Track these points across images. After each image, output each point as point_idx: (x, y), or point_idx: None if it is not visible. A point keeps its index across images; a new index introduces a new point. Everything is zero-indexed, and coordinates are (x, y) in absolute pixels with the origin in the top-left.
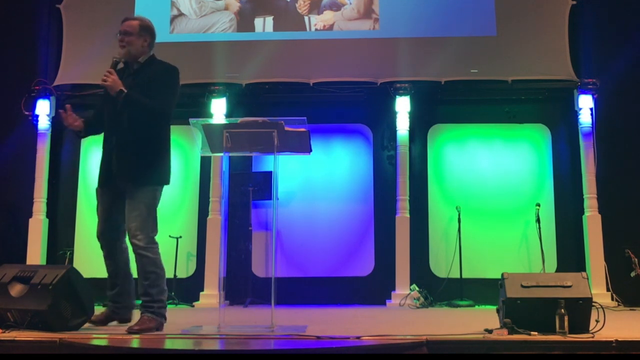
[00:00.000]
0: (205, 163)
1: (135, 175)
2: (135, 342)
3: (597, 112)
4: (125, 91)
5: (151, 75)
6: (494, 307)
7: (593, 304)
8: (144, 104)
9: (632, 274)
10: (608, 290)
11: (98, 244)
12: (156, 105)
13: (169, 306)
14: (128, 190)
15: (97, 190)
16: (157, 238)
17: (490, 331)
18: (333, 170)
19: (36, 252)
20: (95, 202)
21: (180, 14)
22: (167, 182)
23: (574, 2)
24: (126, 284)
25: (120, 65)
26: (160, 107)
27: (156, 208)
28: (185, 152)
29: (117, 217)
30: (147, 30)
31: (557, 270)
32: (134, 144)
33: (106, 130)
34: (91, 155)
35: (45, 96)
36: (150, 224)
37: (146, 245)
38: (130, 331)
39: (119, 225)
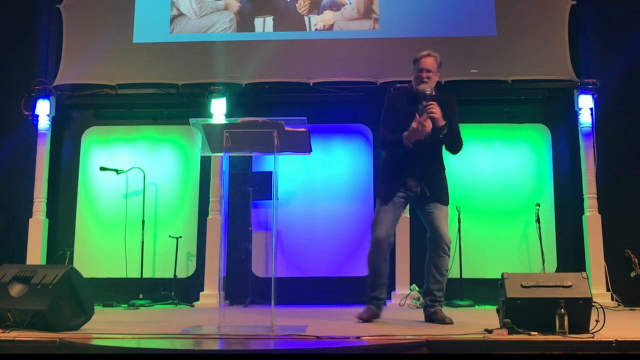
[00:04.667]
0: (205, 163)
1: (444, 195)
2: (133, 342)
3: (597, 112)
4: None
5: (445, 108)
6: (494, 307)
7: (593, 304)
8: (458, 136)
9: (632, 274)
10: (608, 290)
11: (98, 244)
12: (460, 137)
13: (168, 306)
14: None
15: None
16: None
17: (490, 331)
18: (333, 170)
19: (36, 252)
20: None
21: (180, 14)
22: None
23: (574, 2)
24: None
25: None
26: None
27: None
28: (185, 152)
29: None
30: (440, 65)
31: (557, 270)
32: (437, 168)
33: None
34: (91, 155)
35: (45, 96)
36: None
37: (450, 248)
38: (449, 322)
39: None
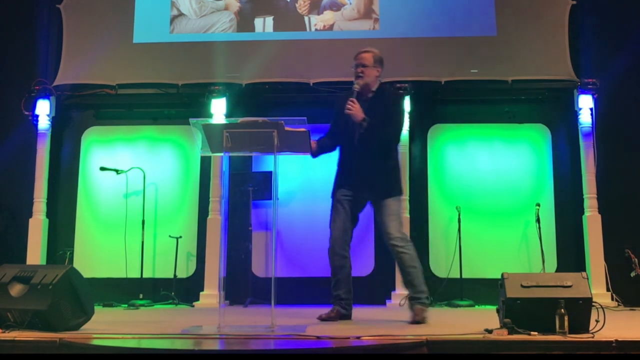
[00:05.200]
0: (205, 163)
1: (379, 190)
2: (133, 342)
3: (597, 112)
4: (368, 119)
5: (385, 103)
6: (494, 307)
7: (593, 304)
8: (384, 131)
9: (632, 274)
10: (608, 290)
11: (98, 244)
12: (391, 132)
13: (168, 306)
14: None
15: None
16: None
17: (490, 331)
18: (333, 170)
19: (36, 252)
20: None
21: (180, 14)
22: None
23: (574, 2)
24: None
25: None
26: (396, 134)
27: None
28: (185, 152)
29: (354, 223)
30: (379, 61)
31: (557, 270)
32: (375, 164)
33: (344, 151)
34: (91, 155)
35: (45, 96)
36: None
37: (404, 244)
38: (414, 322)
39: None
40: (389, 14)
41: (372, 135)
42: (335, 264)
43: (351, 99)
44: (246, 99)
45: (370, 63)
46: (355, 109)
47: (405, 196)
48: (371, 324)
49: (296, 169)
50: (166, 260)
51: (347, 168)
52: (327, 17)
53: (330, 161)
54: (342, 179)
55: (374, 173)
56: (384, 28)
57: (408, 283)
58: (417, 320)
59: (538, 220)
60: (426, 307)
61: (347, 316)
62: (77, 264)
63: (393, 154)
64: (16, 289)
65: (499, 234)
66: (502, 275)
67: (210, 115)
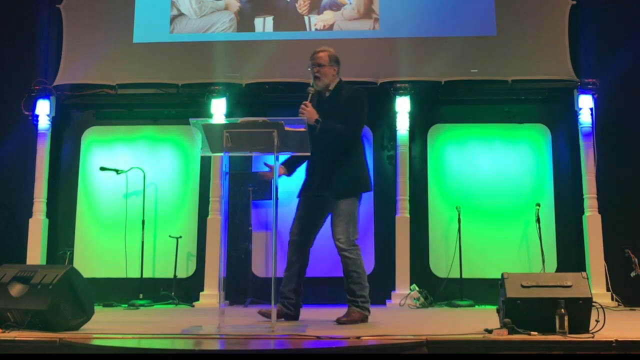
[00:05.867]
0: (205, 163)
1: (334, 189)
2: (133, 342)
3: (597, 112)
4: (321, 120)
5: (344, 101)
6: (494, 307)
7: (593, 304)
8: (338, 130)
9: (632, 274)
10: (608, 290)
11: (98, 244)
12: (348, 130)
13: (169, 306)
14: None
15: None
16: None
17: (490, 331)
18: None
19: (36, 252)
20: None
21: (180, 14)
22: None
23: (574, 2)
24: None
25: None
26: (352, 131)
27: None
28: (185, 152)
29: (316, 223)
30: (334, 60)
31: (557, 270)
32: (332, 163)
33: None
34: (91, 155)
35: (45, 96)
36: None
37: (348, 247)
38: (339, 322)
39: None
40: (389, 14)
41: (329, 135)
42: (288, 260)
43: (304, 102)
44: (246, 99)
45: (326, 62)
46: (307, 111)
47: (406, 196)
48: (371, 324)
49: None
50: (166, 260)
51: (308, 169)
52: (327, 17)
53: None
54: (305, 179)
55: (330, 172)
56: (384, 28)
57: (347, 287)
58: (343, 321)
59: (538, 220)
60: (363, 312)
61: (291, 317)
62: (77, 264)
63: (355, 151)
64: (16, 289)
65: (499, 234)
66: (502, 275)
67: (210, 115)
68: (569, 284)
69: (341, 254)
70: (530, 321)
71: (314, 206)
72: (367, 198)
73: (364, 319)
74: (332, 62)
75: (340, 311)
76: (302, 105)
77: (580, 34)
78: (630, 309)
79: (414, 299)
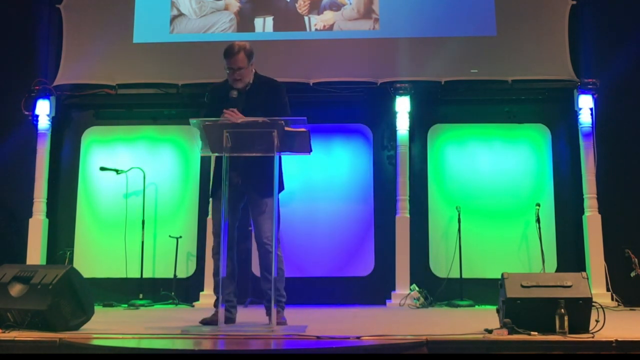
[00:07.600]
0: (205, 163)
1: (255, 186)
2: (133, 342)
3: (597, 112)
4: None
5: (264, 96)
6: (494, 307)
7: (593, 304)
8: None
9: (632, 274)
10: (608, 290)
11: (98, 244)
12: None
13: (168, 306)
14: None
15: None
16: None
17: (490, 331)
18: (333, 170)
19: (36, 252)
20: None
21: (180, 14)
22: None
23: (574, 2)
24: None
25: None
26: None
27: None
28: (185, 152)
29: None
30: (251, 56)
31: (557, 270)
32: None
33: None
34: (91, 155)
35: (45, 96)
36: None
37: (274, 245)
38: (280, 323)
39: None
40: (389, 14)
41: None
42: (215, 263)
43: (232, 110)
44: None
45: (245, 64)
46: (234, 117)
47: (406, 196)
48: (371, 324)
49: (296, 169)
50: (166, 260)
51: (232, 163)
52: (327, 17)
53: (331, 162)
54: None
55: (261, 169)
56: (384, 28)
57: (269, 284)
58: (282, 322)
59: (538, 220)
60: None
61: (231, 320)
62: (77, 264)
63: None
64: (16, 289)
65: (499, 234)
66: (502, 275)
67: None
68: (569, 284)
69: (269, 251)
70: (530, 321)
71: (234, 201)
72: (367, 198)
73: None
74: (250, 60)
75: (340, 311)
76: (227, 113)
77: (580, 34)
78: (630, 309)
79: (414, 299)
